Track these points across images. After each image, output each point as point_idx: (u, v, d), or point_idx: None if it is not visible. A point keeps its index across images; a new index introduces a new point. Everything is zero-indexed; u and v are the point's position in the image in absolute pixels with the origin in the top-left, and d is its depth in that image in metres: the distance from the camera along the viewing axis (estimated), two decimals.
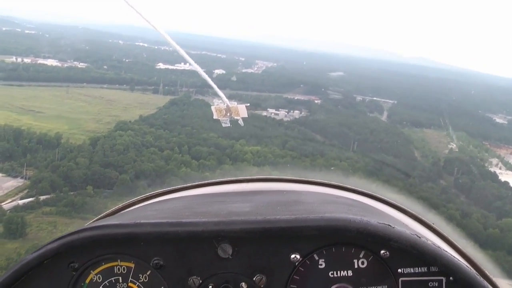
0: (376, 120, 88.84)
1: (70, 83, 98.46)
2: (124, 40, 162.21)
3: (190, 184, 2.62)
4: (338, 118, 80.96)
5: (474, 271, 1.81)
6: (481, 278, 1.79)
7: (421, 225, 2.33)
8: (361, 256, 1.87)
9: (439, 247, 1.81)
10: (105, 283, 2.00)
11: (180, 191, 2.63)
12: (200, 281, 1.93)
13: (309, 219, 1.82)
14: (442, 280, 1.83)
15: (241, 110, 2.45)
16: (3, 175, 52.76)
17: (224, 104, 2.41)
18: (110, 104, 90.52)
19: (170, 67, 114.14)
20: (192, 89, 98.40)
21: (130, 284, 1.99)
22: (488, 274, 2.13)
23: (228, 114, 2.44)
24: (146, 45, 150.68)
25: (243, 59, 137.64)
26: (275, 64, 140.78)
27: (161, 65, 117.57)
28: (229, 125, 2.48)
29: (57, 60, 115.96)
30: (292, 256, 1.87)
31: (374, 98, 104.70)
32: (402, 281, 1.85)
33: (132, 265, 1.97)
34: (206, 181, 2.63)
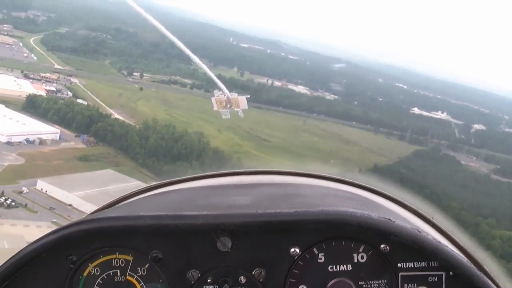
0: None
1: (312, 114, 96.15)
2: (384, 79, 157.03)
3: (190, 176, 2.55)
4: None
5: (474, 266, 1.85)
6: (481, 273, 1.83)
7: (421, 220, 2.30)
8: (360, 250, 1.89)
9: (439, 242, 1.84)
10: (103, 276, 2.00)
11: (180, 183, 2.55)
12: (199, 275, 1.94)
13: (309, 213, 1.85)
14: (442, 275, 1.85)
15: (242, 102, 2.50)
16: None
17: (224, 95, 2.46)
18: (346, 144, 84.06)
19: (425, 113, 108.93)
20: (444, 141, 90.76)
21: (128, 277, 1.99)
22: (487, 270, 2.11)
23: (228, 105, 2.48)
24: (405, 87, 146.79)
25: (507, 117, 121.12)
26: None
27: (415, 110, 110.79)
28: (229, 116, 2.53)
29: (308, 88, 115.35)
30: (292, 249, 1.89)
31: None
32: (401, 275, 1.87)
33: (131, 258, 1.98)
34: (206, 173, 2.57)
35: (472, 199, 53.60)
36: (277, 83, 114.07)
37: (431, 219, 2.31)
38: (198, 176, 2.56)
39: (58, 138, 65.24)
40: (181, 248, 1.91)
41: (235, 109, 2.45)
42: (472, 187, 61.62)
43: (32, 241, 1.94)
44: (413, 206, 2.34)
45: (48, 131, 65.03)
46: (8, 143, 60.53)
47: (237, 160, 54.77)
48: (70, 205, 46.68)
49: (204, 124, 69.19)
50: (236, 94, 2.42)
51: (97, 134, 63.66)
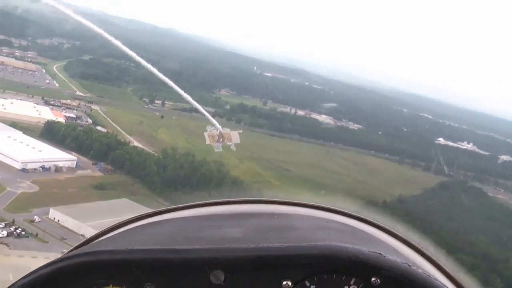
0: None
1: (336, 143, 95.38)
2: (408, 109, 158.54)
3: (182, 205, 2.60)
4: None
5: None
6: None
7: (411, 249, 2.36)
8: (351, 283, 1.93)
9: (429, 275, 1.90)
10: None
11: (172, 211, 2.60)
12: None
13: (302, 247, 1.91)
14: None
15: (234, 136, 2.68)
16: None
17: (217, 130, 2.63)
18: (370, 175, 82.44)
19: (451, 143, 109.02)
20: (470, 173, 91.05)
21: None
22: None
23: (221, 140, 2.64)
24: (430, 117, 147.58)
25: None
26: None
27: (441, 141, 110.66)
28: (221, 150, 2.70)
29: (331, 118, 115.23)
30: (284, 283, 1.92)
31: None
32: None
33: None
34: (198, 202, 2.61)
35: (501, 232, 52.24)
36: (301, 112, 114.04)
37: (421, 248, 2.32)
38: (191, 205, 2.54)
39: (74, 165, 65.16)
40: (174, 281, 1.93)
41: (228, 143, 2.58)
42: (501, 220, 60.20)
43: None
44: (403, 236, 2.37)
45: (64, 158, 64.94)
46: (23, 170, 60.33)
47: (257, 191, 53.24)
48: (82, 235, 45.15)
49: (225, 153, 68.73)
50: (228, 130, 2.55)
51: (114, 162, 63.37)
